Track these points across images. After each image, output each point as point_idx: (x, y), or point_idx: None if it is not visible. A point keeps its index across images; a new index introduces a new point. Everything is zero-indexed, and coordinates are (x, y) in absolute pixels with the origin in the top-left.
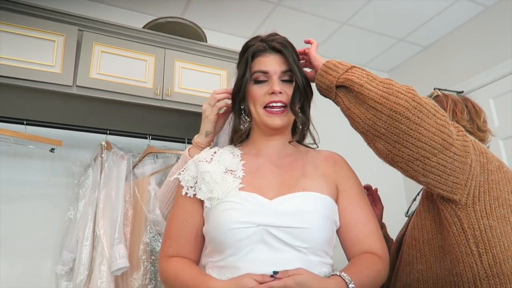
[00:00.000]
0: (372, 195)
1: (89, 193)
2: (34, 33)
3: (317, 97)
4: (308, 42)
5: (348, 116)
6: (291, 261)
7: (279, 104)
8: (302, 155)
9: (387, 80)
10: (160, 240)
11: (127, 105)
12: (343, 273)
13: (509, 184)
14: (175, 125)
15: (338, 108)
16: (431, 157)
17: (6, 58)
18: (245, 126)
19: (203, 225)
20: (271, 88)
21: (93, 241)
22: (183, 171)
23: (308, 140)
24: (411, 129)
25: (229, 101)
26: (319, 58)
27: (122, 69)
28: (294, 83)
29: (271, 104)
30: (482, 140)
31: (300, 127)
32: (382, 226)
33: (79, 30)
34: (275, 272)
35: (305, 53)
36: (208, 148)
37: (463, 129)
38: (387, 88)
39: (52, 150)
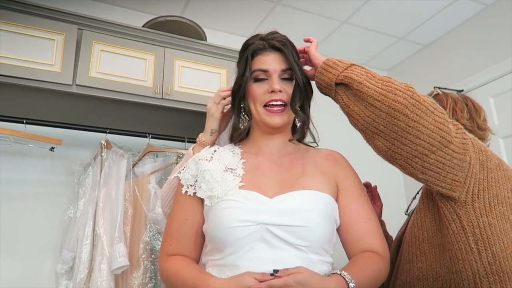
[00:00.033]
0: (371, 193)
1: (89, 192)
2: (33, 32)
3: (317, 95)
4: (307, 40)
5: (347, 113)
6: (291, 260)
7: (279, 103)
8: (302, 154)
9: (386, 78)
10: (160, 239)
11: (127, 104)
12: (343, 271)
13: (508, 182)
14: (175, 124)
15: (338, 106)
16: (430, 154)
17: (6, 57)
18: (244, 124)
19: (203, 223)
20: (271, 86)
21: (93, 240)
22: (183, 169)
23: (308, 138)
24: (410, 126)
25: None
26: (319, 56)
27: (121, 68)
28: (294, 81)
29: (271, 103)
30: (482, 138)
31: (300, 125)
32: (382, 224)
33: (78, 29)
34: (275, 271)
35: (305, 52)
36: (208, 146)
37: (462, 127)
38: (386, 85)
39: (52, 149)
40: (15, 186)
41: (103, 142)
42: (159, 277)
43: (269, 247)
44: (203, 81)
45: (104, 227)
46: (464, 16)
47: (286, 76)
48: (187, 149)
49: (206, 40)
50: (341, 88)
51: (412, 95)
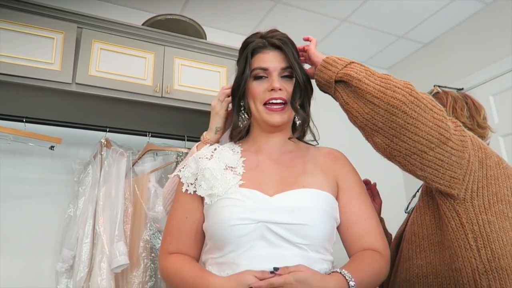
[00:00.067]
0: (370, 190)
1: (89, 191)
2: (33, 31)
3: (317, 93)
4: (307, 39)
5: (346, 111)
6: (291, 258)
7: (279, 101)
8: (303, 152)
9: (385, 75)
10: (160, 238)
11: (126, 103)
12: (343, 270)
13: (508, 179)
14: (174, 122)
15: (338, 104)
16: (428, 151)
17: (5, 55)
18: (244, 123)
19: (203, 221)
20: (271, 85)
21: (93, 238)
22: (183, 168)
23: (308, 137)
24: (408, 123)
25: None
26: (318, 54)
27: (121, 66)
28: (294, 79)
29: (271, 101)
30: (482, 136)
31: (300, 123)
32: (381, 221)
33: (78, 27)
34: (276, 269)
35: (304, 50)
36: (209, 145)
37: (461, 124)
38: (385, 83)
39: (51, 147)
40: (15, 185)
41: (103, 141)
42: (159, 276)
43: (269, 245)
44: (203, 79)
45: (104, 225)
46: (464, 15)
47: (286, 74)
48: (187, 148)
49: (205, 39)
50: (341, 86)
51: (411, 92)
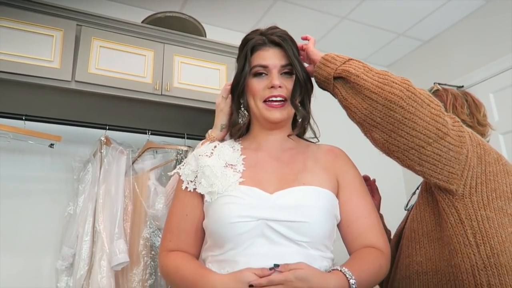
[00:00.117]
0: (370, 186)
1: (88, 189)
2: (32, 28)
3: (317, 91)
4: (305, 38)
5: (345, 107)
6: (292, 255)
7: (278, 99)
8: (303, 149)
9: (383, 71)
10: (160, 235)
11: (126, 100)
12: (344, 267)
13: (507, 176)
14: (174, 120)
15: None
16: (426, 146)
17: (4, 53)
18: (244, 120)
19: (203, 219)
20: (270, 82)
21: (93, 236)
22: (183, 165)
23: (308, 134)
24: (406, 118)
25: None
26: (317, 52)
27: (121, 64)
28: (294, 76)
29: (270, 99)
30: (482, 134)
31: (300, 121)
32: (380, 217)
33: (77, 25)
34: (276, 265)
35: (302, 49)
36: (209, 142)
37: (459, 120)
38: (383, 78)
39: (51, 145)
40: (15, 183)
41: (103, 139)
42: (159, 274)
43: (269, 242)
44: (202, 77)
45: (104, 223)
46: (464, 12)
47: (286, 71)
48: (187, 146)
49: (205, 36)
50: (339, 82)
51: (408, 87)
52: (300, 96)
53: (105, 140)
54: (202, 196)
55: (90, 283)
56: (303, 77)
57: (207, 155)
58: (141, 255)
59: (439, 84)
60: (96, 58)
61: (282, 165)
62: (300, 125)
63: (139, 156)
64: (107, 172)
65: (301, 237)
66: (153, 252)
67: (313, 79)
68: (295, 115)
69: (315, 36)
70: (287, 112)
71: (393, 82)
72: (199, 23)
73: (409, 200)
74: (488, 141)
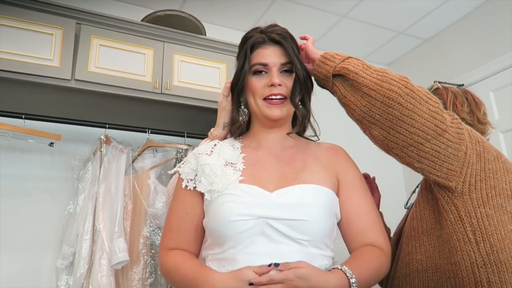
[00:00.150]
0: (370, 184)
1: (88, 187)
2: (31, 27)
3: (317, 89)
4: (304, 38)
5: (344, 104)
6: (292, 254)
7: (278, 97)
8: (303, 148)
9: (381, 69)
10: (160, 234)
11: (126, 99)
12: (344, 266)
13: (507, 174)
14: (174, 118)
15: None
16: (425, 142)
17: (4, 51)
18: (243, 117)
19: (203, 217)
20: (270, 80)
21: (93, 235)
22: (183, 164)
23: (309, 132)
24: (404, 115)
25: None
26: (316, 51)
27: (120, 62)
28: (294, 74)
29: (270, 97)
30: (482, 132)
31: (300, 119)
32: (380, 215)
33: (77, 23)
34: (276, 264)
35: (301, 49)
36: (209, 140)
37: (458, 117)
38: (381, 76)
39: (51, 144)
40: (15, 182)
41: (103, 137)
42: (159, 272)
43: (270, 241)
44: (202, 75)
45: (104, 222)
46: (465, 11)
47: (286, 69)
48: (187, 144)
49: (205, 35)
50: (338, 80)
51: (406, 84)
52: (300, 94)
53: (105, 139)
54: (202, 194)
55: (90, 281)
56: (303, 75)
57: (207, 154)
58: (141, 253)
59: (439, 82)
60: (96, 57)
61: (282, 163)
62: (300, 123)
63: (139, 154)
64: (107, 171)
65: (301, 236)
66: (153, 251)
67: (312, 78)
68: (295, 113)
69: (315, 35)
70: (287, 109)
71: (392, 80)
72: (199, 21)
73: (409, 199)
74: (488, 140)
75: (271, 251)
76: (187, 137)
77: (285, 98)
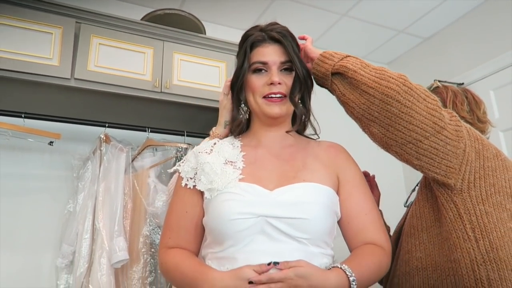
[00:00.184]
0: (369, 182)
1: (88, 186)
2: (31, 26)
3: (318, 88)
4: (302, 38)
5: (343, 102)
6: (292, 252)
7: (278, 96)
8: (303, 146)
9: (380, 67)
10: (160, 233)
11: (125, 98)
12: (344, 265)
13: (506, 171)
14: (174, 117)
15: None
16: (423, 140)
17: (3, 50)
18: (243, 115)
19: (203, 216)
20: (270, 79)
21: (92, 234)
22: (182, 162)
23: (309, 131)
24: (403, 112)
25: None
26: (315, 50)
27: (120, 61)
28: (293, 73)
29: (270, 96)
30: (482, 131)
31: (300, 118)
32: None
33: (76, 22)
34: (276, 263)
35: (300, 48)
36: (208, 139)
37: (456, 115)
38: (380, 73)
39: (50, 143)
40: (14, 181)
41: (102, 136)
42: (159, 271)
43: (269, 239)
44: (202, 74)
45: (103, 221)
46: (465, 9)
47: (285, 67)
48: (187, 143)
49: (205, 34)
50: (337, 78)
51: (404, 82)
52: (300, 92)
53: (104, 138)
54: (201, 193)
55: (90, 280)
56: (302, 74)
57: (206, 152)
58: (141, 252)
59: (439, 81)
60: (96, 56)
61: (282, 162)
62: (299, 121)
63: (139, 153)
64: (106, 170)
65: (301, 234)
66: (153, 250)
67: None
68: (295, 112)
69: (314, 34)
70: (286, 107)
71: (390, 77)
72: (198, 20)
73: (409, 197)
74: (488, 138)
75: (271, 249)
76: (187, 136)
77: (284, 96)
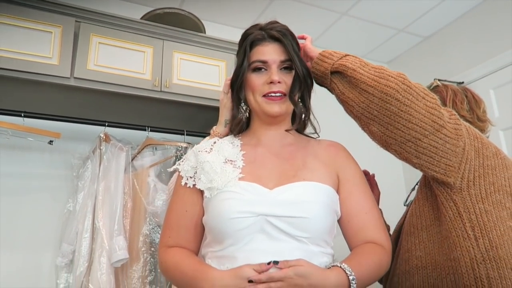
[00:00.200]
0: (369, 181)
1: (88, 185)
2: (31, 25)
3: (318, 87)
4: (302, 37)
5: (342, 101)
6: (291, 251)
7: (278, 94)
8: (303, 145)
9: (379, 66)
10: (160, 232)
11: (125, 97)
12: (343, 264)
13: (506, 170)
14: (173, 116)
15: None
16: (423, 138)
17: (3, 50)
18: (243, 114)
19: (203, 215)
20: (269, 77)
21: (92, 233)
22: (182, 161)
23: (309, 129)
24: (402, 111)
25: None
26: (314, 49)
27: (120, 60)
28: (293, 72)
29: (270, 94)
30: (482, 130)
31: (300, 116)
32: None
33: (76, 21)
34: (276, 262)
35: (300, 48)
36: (208, 138)
37: (456, 114)
38: (379, 72)
39: (50, 142)
40: (14, 180)
41: (102, 135)
42: (159, 270)
43: (269, 238)
44: (202, 73)
45: (103, 220)
46: (464, 8)
47: (285, 66)
48: (186, 142)
49: (205, 33)
50: (336, 77)
51: (404, 81)
52: (300, 91)
53: (104, 137)
54: (201, 192)
55: (90, 279)
56: (302, 73)
57: (206, 151)
58: (141, 251)
59: (439, 80)
60: (95, 55)
61: (282, 161)
62: (299, 120)
63: (139, 152)
64: (106, 169)
65: (301, 233)
66: (152, 249)
67: None
68: (295, 111)
69: (314, 33)
70: (286, 106)
71: (389, 76)
72: (198, 19)
73: (408, 196)
74: (488, 137)
75: (271, 248)
76: (187, 135)
77: (284, 95)
